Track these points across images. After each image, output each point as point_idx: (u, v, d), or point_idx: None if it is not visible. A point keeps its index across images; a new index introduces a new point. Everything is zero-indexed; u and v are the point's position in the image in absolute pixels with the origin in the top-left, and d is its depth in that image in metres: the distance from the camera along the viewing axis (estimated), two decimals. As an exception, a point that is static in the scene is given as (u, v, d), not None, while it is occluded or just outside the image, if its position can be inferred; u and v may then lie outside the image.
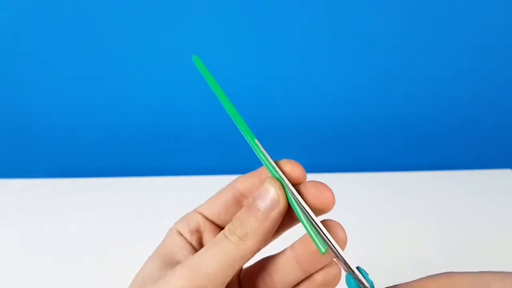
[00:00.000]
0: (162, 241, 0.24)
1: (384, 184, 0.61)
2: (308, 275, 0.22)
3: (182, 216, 0.25)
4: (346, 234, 0.21)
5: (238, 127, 0.22)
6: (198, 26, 0.56)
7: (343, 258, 0.20)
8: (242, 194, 0.24)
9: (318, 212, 0.21)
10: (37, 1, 0.53)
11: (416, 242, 0.49)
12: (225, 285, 0.21)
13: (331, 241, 0.20)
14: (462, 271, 0.19)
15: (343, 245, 0.21)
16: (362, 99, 0.63)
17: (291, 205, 0.21)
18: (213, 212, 0.24)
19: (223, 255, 0.20)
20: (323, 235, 0.20)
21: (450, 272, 0.19)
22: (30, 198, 0.58)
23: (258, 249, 0.21)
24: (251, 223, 0.20)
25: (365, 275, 0.20)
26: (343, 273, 0.21)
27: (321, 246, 0.20)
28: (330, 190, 0.21)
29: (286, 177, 0.21)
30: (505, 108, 0.65)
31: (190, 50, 0.57)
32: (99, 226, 0.52)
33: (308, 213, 0.20)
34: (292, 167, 0.22)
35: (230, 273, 0.21)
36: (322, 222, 0.21)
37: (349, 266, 0.19)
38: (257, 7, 0.55)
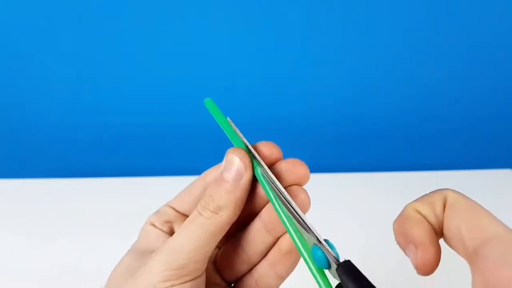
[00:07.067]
0: (138, 237, 0.24)
1: (384, 184, 0.61)
2: (276, 238, 0.23)
3: (155, 211, 0.25)
4: (308, 197, 0.22)
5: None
6: (197, 26, 0.56)
7: (309, 228, 0.20)
8: None
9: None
10: (37, 2, 0.53)
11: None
12: (207, 261, 0.21)
13: (297, 212, 0.20)
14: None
15: (306, 207, 0.21)
16: (361, 100, 0.63)
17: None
18: (185, 206, 0.25)
19: (199, 232, 0.20)
20: (287, 203, 0.20)
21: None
22: (30, 198, 0.58)
23: (233, 220, 0.21)
24: (222, 196, 0.21)
25: (332, 246, 0.20)
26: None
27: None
28: (304, 164, 0.22)
29: (259, 154, 0.22)
30: (505, 108, 0.65)
31: (190, 49, 0.57)
32: (98, 226, 0.52)
33: (274, 183, 0.21)
34: (267, 147, 0.22)
35: (209, 249, 0.21)
36: (288, 188, 0.22)
37: (317, 237, 0.19)
38: (257, 6, 0.55)
